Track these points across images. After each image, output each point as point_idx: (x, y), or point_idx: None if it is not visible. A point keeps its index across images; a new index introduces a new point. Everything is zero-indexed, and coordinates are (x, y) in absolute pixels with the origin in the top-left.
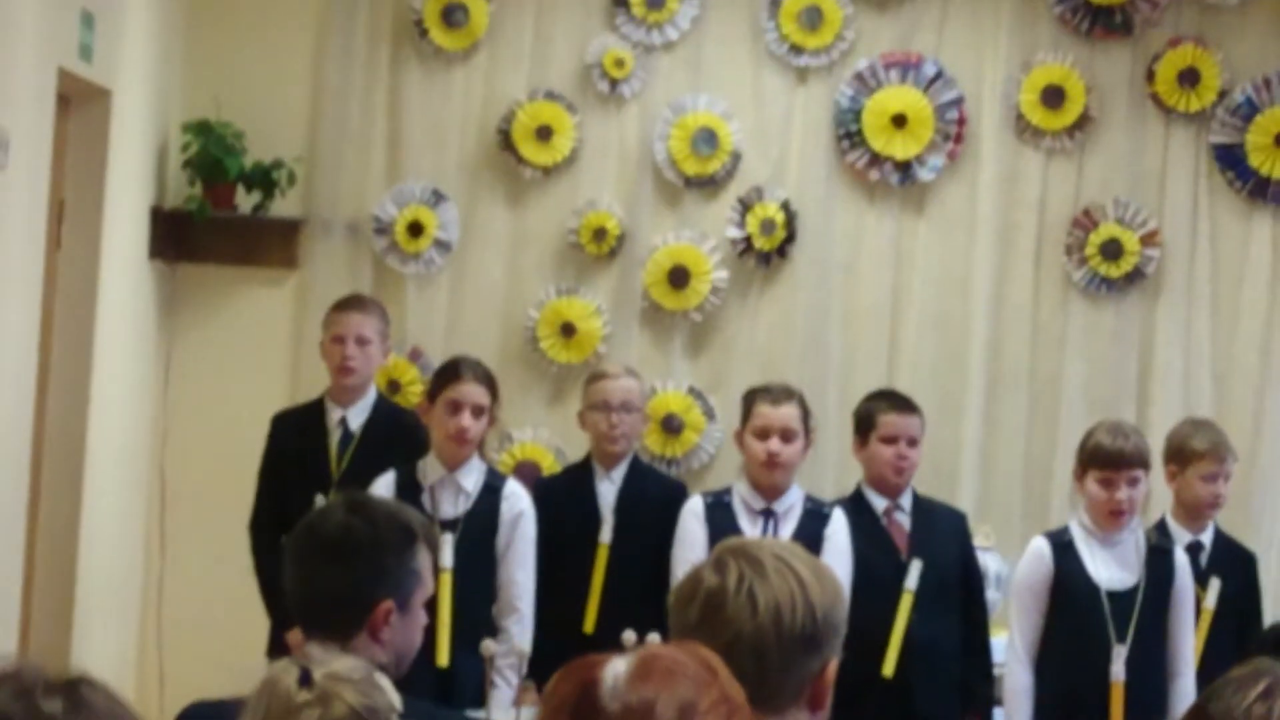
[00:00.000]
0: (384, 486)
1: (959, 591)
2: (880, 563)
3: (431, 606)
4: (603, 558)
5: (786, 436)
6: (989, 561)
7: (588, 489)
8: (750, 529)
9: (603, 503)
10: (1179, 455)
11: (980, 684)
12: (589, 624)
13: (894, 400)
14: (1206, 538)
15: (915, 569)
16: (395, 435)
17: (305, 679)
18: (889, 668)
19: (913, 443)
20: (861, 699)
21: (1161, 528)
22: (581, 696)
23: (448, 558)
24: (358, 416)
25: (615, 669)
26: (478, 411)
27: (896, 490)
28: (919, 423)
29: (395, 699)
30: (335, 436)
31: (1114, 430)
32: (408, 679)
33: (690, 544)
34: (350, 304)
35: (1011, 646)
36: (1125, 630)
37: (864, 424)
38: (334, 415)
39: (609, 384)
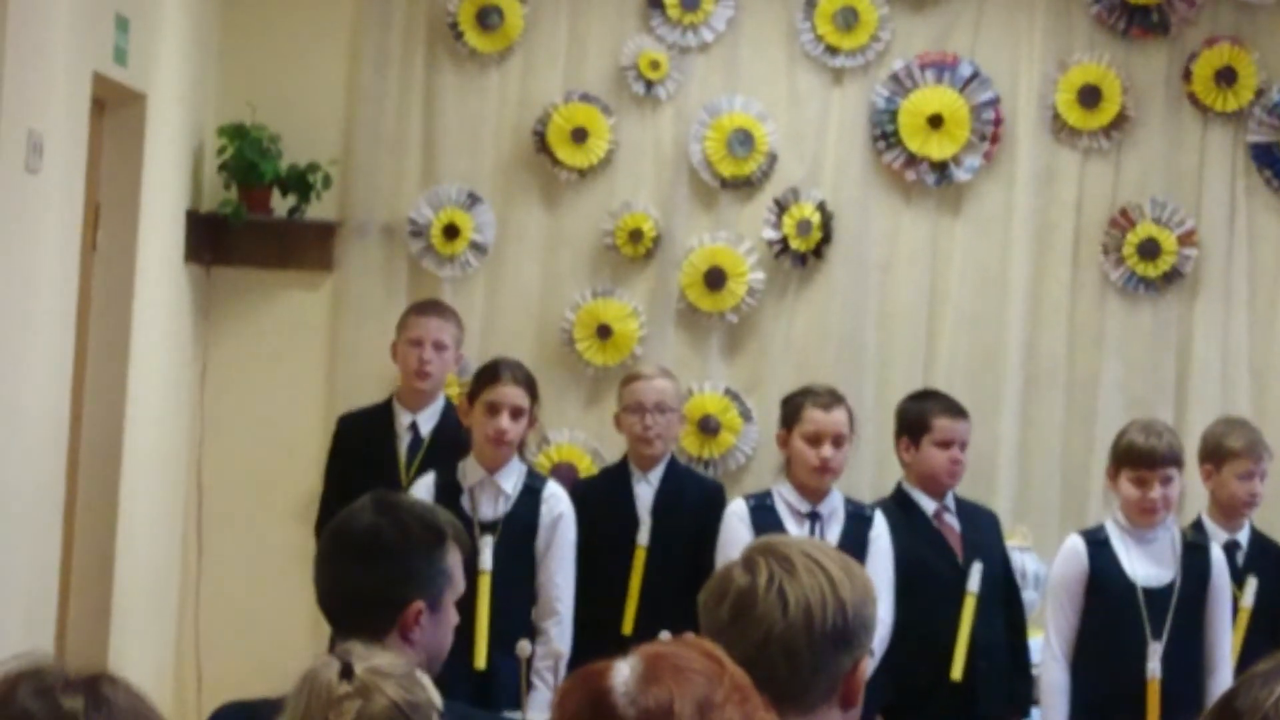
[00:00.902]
0: (424, 488)
1: (1003, 591)
2: (938, 565)
3: (469, 608)
4: (640, 559)
5: (838, 442)
6: (1026, 561)
7: (625, 491)
8: (796, 532)
9: (640, 505)
10: (1215, 454)
11: (1021, 684)
12: (627, 625)
13: (947, 404)
14: (1243, 537)
15: (976, 571)
16: (465, 442)
17: (346, 672)
18: (957, 671)
19: (964, 447)
20: (929, 702)
21: (1198, 526)
22: (594, 705)
23: (487, 560)
24: (428, 422)
25: (622, 673)
26: (516, 413)
27: (944, 492)
28: (969, 426)
29: (436, 697)
30: (405, 441)
31: (1147, 429)
32: (445, 681)
33: (736, 546)
34: (429, 308)
35: (1048, 644)
36: (1161, 627)
37: (916, 426)
38: (403, 419)
39: (643, 385)
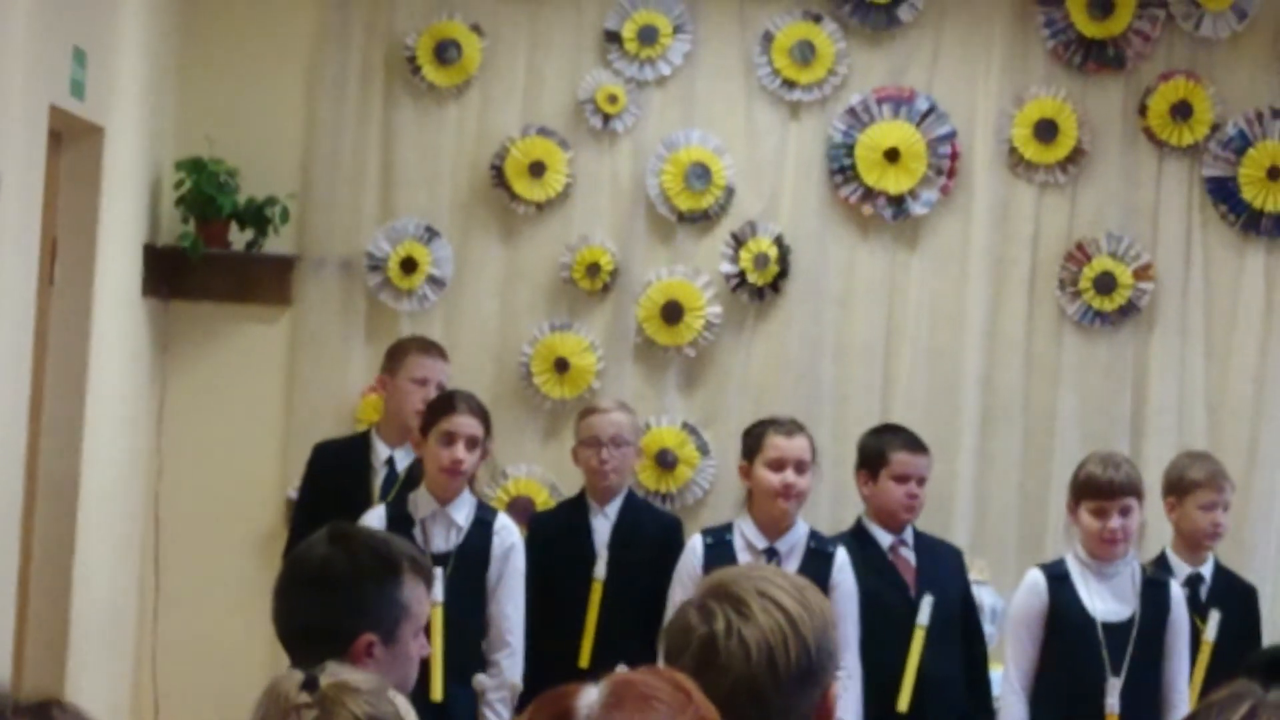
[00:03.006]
0: (375, 520)
1: (961, 626)
2: (891, 599)
3: None
4: (597, 593)
5: (801, 468)
6: (984, 596)
7: (582, 524)
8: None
9: (597, 538)
10: (1178, 486)
11: (981, 718)
12: (584, 659)
13: (906, 439)
14: (1206, 570)
15: (927, 604)
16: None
17: (308, 684)
18: (904, 703)
19: (922, 482)
20: None
21: (1161, 561)
22: None
23: (439, 592)
24: (405, 458)
25: (588, 699)
26: (471, 444)
27: (902, 526)
28: (928, 462)
29: (411, 716)
30: (380, 475)
31: (1105, 461)
32: None
33: (686, 587)
34: (434, 349)
35: (1007, 679)
36: (1120, 663)
37: (874, 460)
38: (381, 453)
39: (600, 419)
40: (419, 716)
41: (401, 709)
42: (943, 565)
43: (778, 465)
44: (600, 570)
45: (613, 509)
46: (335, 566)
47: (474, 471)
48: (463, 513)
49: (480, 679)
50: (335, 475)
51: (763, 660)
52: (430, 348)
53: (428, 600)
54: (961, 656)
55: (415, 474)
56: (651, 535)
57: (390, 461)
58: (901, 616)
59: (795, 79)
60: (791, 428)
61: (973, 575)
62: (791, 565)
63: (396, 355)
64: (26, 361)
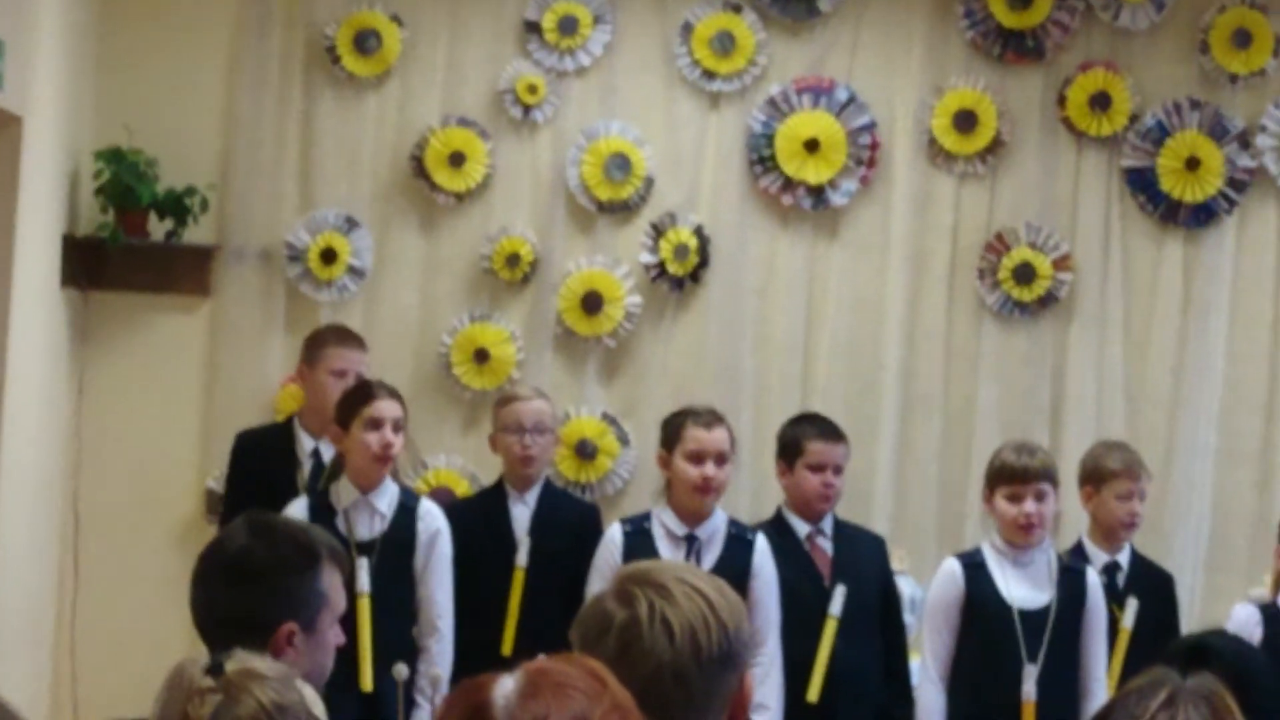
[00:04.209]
0: (298, 511)
1: (880, 616)
2: (804, 588)
3: (350, 631)
4: (519, 581)
5: (720, 460)
6: (903, 585)
7: (501, 513)
8: (672, 556)
9: (517, 526)
10: (1094, 476)
11: (899, 709)
12: (507, 646)
13: (822, 427)
14: (1124, 558)
15: (839, 594)
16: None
17: (214, 669)
18: (814, 693)
19: (838, 470)
20: None
21: (1078, 550)
22: (473, 719)
23: (365, 582)
24: (330, 448)
25: (504, 688)
26: (397, 427)
27: (819, 516)
28: (845, 450)
29: (318, 708)
30: (307, 467)
31: (1019, 448)
32: (334, 704)
33: (605, 576)
34: (351, 339)
35: (924, 667)
36: (1037, 650)
37: (790, 449)
38: (306, 445)
39: (522, 406)
40: (350, 707)
41: (309, 699)
42: (862, 555)
43: (697, 458)
44: (522, 558)
45: (532, 497)
46: (256, 556)
47: (399, 455)
48: (385, 500)
49: (399, 668)
50: (261, 465)
51: (686, 642)
52: (348, 338)
53: (343, 590)
54: (880, 647)
55: (341, 465)
56: (571, 522)
57: (316, 453)
58: (815, 606)
59: (715, 70)
60: (710, 419)
61: (892, 565)
62: (712, 552)
63: (314, 346)
64: None
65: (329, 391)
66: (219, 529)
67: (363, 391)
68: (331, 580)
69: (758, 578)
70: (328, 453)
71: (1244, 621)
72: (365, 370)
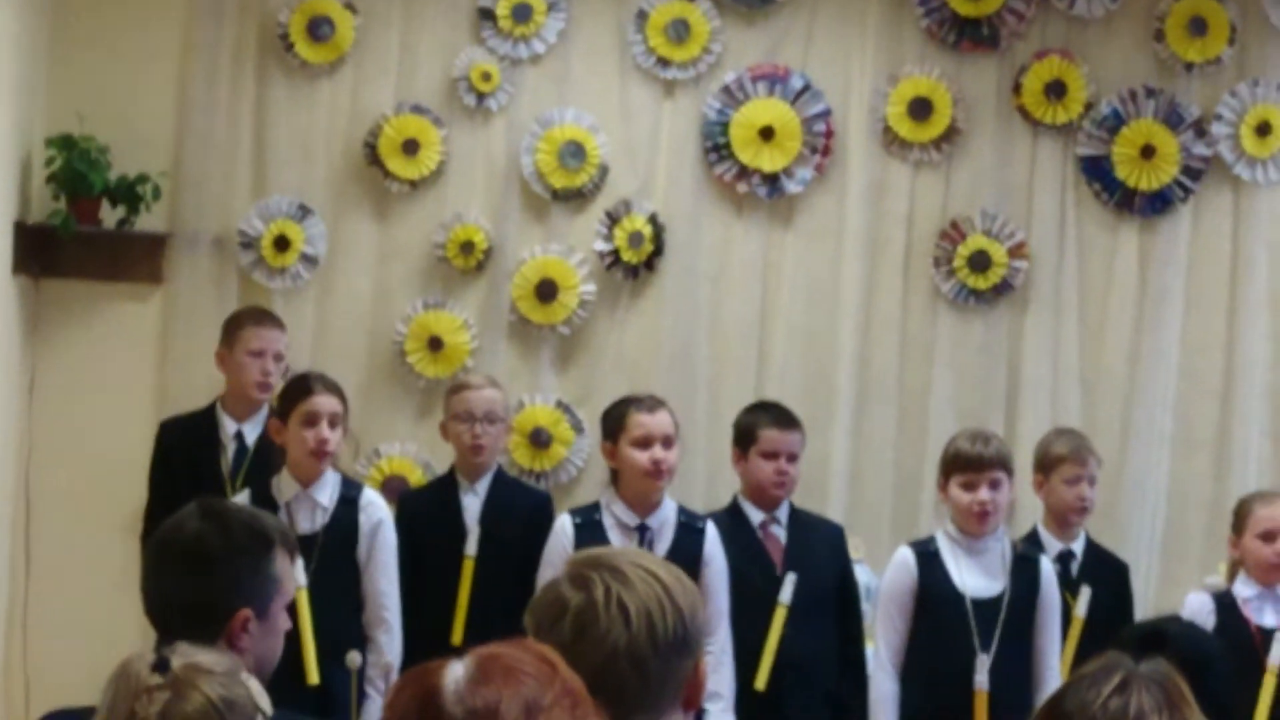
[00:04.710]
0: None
1: (835, 606)
2: (755, 576)
3: (292, 625)
4: (469, 570)
5: (668, 443)
6: (858, 574)
7: (452, 501)
8: (624, 546)
9: (468, 515)
10: (1043, 462)
11: (853, 698)
12: (457, 635)
13: (776, 414)
14: (1078, 547)
15: (790, 583)
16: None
17: (161, 665)
18: (761, 681)
19: (793, 458)
20: (734, 711)
21: (1032, 537)
22: (424, 705)
23: (301, 575)
24: (253, 431)
25: (455, 673)
26: (334, 422)
27: (774, 504)
28: (800, 438)
29: (264, 701)
30: (230, 450)
31: (974, 436)
32: (281, 698)
33: (557, 566)
34: (267, 319)
35: (877, 655)
36: (990, 639)
37: (745, 437)
38: (228, 428)
39: (474, 395)
40: (297, 701)
41: (255, 692)
42: (817, 544)
43: (644, 443)
44: (472, 547)
45: (482, 486)
46: (211, 543)
47: (338, 450)
48: (326, 493)
49: (353, 656)
50: (184, 452)
51: (643, 626)
52: (265, 318)
53: (293, 575)
54: (835, 635)
55: (265, 446)
56: (522, 512)
57: (239, 436)
58: (765, 594)
59: (670, 57)
60: (653, 403)
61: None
62: (664, 541)
63: (231, 328)
64: None
65: (247, 372)
66: (144, 520)
67: (301, 385)
68: (283, 565)
69: (709, 566)
70: (250, 435)
71: (1197, 610)
72: (284, 350)
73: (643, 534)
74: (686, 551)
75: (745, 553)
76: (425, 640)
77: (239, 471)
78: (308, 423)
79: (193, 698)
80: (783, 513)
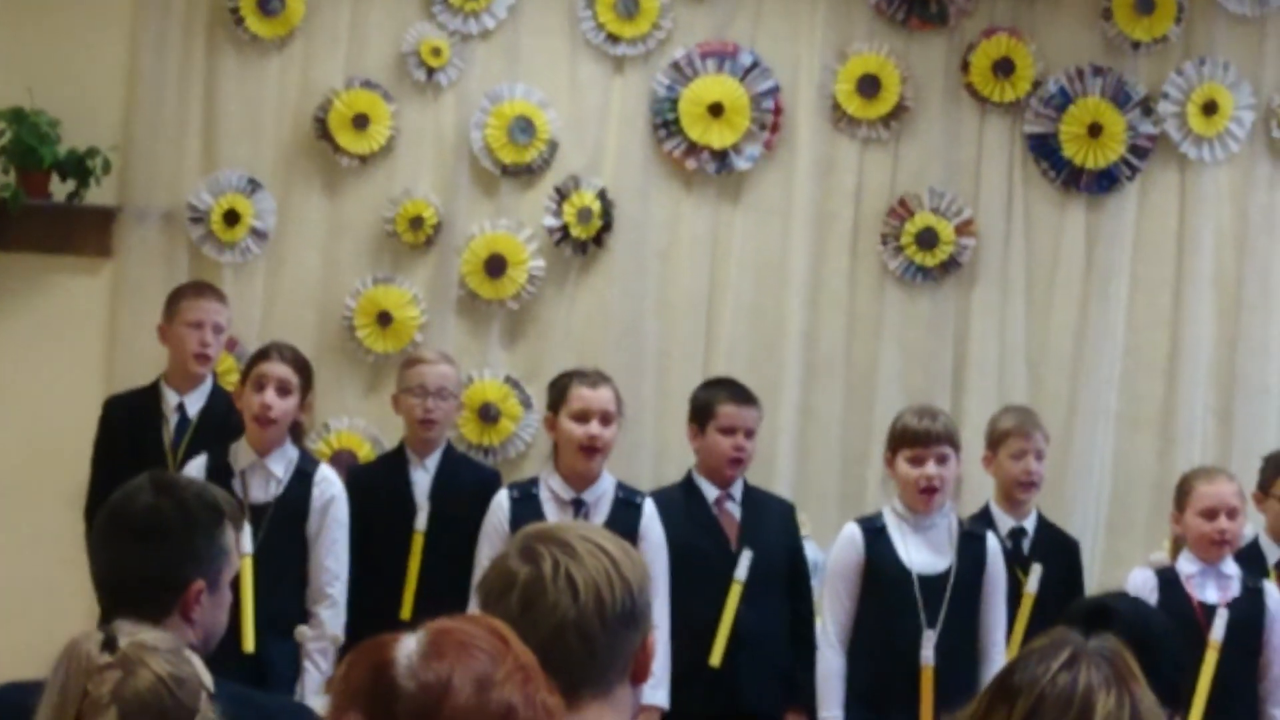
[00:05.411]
0: (195, 470)
1: (786, 582)
2: (710, 552)
3: (233, 592)
4: (418, 545)
5: (606, 420)
6: (806, 550)
7: (402, 476)
8: (560, 521)
9: (417, 490)
10: (991, 439)
11: (804, 675)
12: (406, 610)
13: (733, 391)
14: (1029, 524)
15: (745, 559)
16: (232, 422)
17: (109, 644)
18: (716, 657)
19: (750, 434)
20: (688, 687)
21: (984, 514)
22: (375, 679)
23: (248, 543)
24: (196, 403)
25: (407, 648)
26: (283, 390)
27: (729, 480)
28: (757, 414)
29: (206, 676)
30: (172, 422)
31: (920, 412)
32: (216, 664)
33: (494, 541)
34: (206, 291)
35: (824, 631)
36: (936, 615)
37: (702, 413)
38: (171, 401)
39: (426, 369)
40: (232, 667)
41: (198, 668)
42: (770, 521)
43: (582, 417)
44: (421, 522)
45: (432, 462)
46: (166, 515)
47: (289, 420)
48: (281, 464)
49: (302, 630)
50: (128, 427)
51: (591, 599)
52: (204, 290)
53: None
54: (786, 612)
55: (208, 418)
56: (471, 488)
57: (181, 408)
58: (720, 570)
59: (619, 33)
60: (596, 379)
61: None
62: (599, 516)
63: (172, 302)
64: None
65: (186, 343)
66: (88, 496)
67: (260, 352)
68: (231, 538)
69: (645, 540)
70: (193, 407)
71: (1140, 586)
72: (226, 324)
73: (578, 508)
74: (622, 526)
75: (700, 529)
76: (374, 615)
77: (180, 443)
78: (256, 387)
79: (143, 675)
80: (737, 489)
